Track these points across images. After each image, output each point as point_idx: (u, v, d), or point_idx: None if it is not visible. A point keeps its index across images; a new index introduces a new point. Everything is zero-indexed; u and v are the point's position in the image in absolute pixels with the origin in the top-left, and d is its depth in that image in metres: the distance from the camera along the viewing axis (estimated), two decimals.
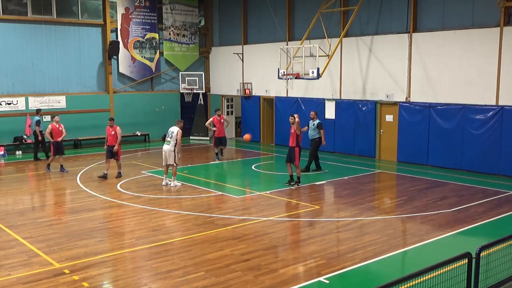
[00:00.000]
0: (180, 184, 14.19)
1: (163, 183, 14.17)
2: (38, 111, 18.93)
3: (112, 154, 15.12)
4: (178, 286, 7.44)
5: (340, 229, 10.41)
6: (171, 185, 14.03)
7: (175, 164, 14.04)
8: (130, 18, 22.67)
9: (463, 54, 16.02)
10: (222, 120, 18.24)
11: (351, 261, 8.42)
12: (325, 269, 8.05)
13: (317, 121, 16.02)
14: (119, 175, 15.23)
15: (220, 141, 18.17)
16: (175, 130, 13.99)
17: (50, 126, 16.04)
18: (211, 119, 18.39)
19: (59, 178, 15.40)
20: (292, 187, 13.87)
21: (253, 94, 23.17)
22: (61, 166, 16.22)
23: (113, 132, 15.09)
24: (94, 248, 9.06)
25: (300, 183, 14.09)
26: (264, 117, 22.95)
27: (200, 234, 9.86)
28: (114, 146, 15.00)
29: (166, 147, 14.01)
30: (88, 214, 11.41)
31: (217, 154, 18.29)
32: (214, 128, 18.04)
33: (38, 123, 18.38)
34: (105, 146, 15.38)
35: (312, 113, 16.34)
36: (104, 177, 14.99)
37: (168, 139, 14.01)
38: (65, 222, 10.87)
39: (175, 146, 13.94)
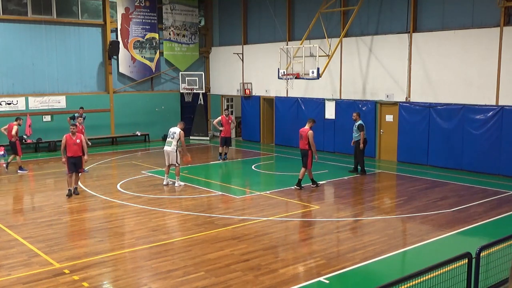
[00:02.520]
0: (183, 184, 14.19)
1: (164, 183, 14.17)
2: (80, 109, 18.88)
3: (76, 167, 12.99)
4: (178, 286, 7.44)
5: (340, 229, 10.41)
6: (176, 185, 14.03)
7: (177, 164, 14.06)
8: (130, 18, 22.67)
9: (463, 54, 16.02)
10: (230, 121, 18.28)
11: (351, 261, 8.42)
12: (325, 269, 8.05)
13: (359, 122, 15.63)
14: (76, 192, 13.13)
15: (226, 141, 18.19)
16: (176, 130, 14.00)
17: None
18: (219, 118, 18.36)
19: (59, 178, 15.40)
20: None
21: (253, 94, 23.17)
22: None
23: (78, 141, 12.93)
24: (94, 248, 9.06)
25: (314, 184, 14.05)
26: (264, 117, 22.95)
27: (200, 234, 9.86)
28: (79, 157, 12.94)
29: (168, 148, 14.01)
30: (88, 214, 11.41)
31: (220, 154, 18.29)
32: (221, 128, 18.05)
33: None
34: (64, 158, 13.01)
35: (354, 114, 15.89)
36: (71, 194, 13.02)
37: (170, 139, 14.01)
38: (65, 222, 10.88)
39: (176, 146, 13.96)
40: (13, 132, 16.24)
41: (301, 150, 13.87)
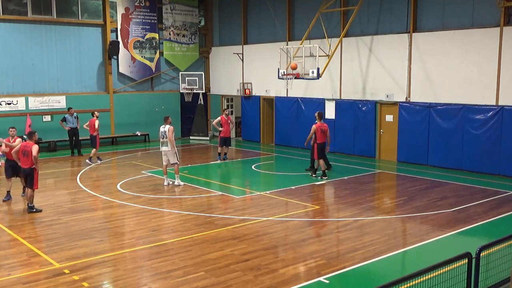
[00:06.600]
0: (183, 183, 14.18)
1: (165, 183, 14.15)
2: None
3: (13, 172, 12.21)
4: (178, 286, 7.44)
5: (340, 229, 10.41)
6: (175, 183, 14.02)
7: (177, 162, 14.06)
8: (130, 18, 22.66)
9: (463, 54, 16.02)
10: (229, 121, 18.23)
11: (351, 261, 8.43)
12: (325, 269, 8.05)
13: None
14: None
15: (225, 141, 18.14)
16: (166, 127, 13.93)
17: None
18: (219, 118, 18.25)
19: (59, 178, 15.41)
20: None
21: (253, 94, 23.17)
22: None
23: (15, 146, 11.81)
24: (94, 248, 9.06)
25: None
26: (264, 117, 22.95)
27: (200, 234, 9.86)
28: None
29: (165, 148, 13.97)
30: (88, 214, 11.41)
31: (219, 154, 18.27)
32: (221, 128, 17.99)
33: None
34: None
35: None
36: (9, 198, 12.35)
37: (164, 140, 13.94)
38: (65, 222, 10.87)
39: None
40: (96, 126, 17.80)
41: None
